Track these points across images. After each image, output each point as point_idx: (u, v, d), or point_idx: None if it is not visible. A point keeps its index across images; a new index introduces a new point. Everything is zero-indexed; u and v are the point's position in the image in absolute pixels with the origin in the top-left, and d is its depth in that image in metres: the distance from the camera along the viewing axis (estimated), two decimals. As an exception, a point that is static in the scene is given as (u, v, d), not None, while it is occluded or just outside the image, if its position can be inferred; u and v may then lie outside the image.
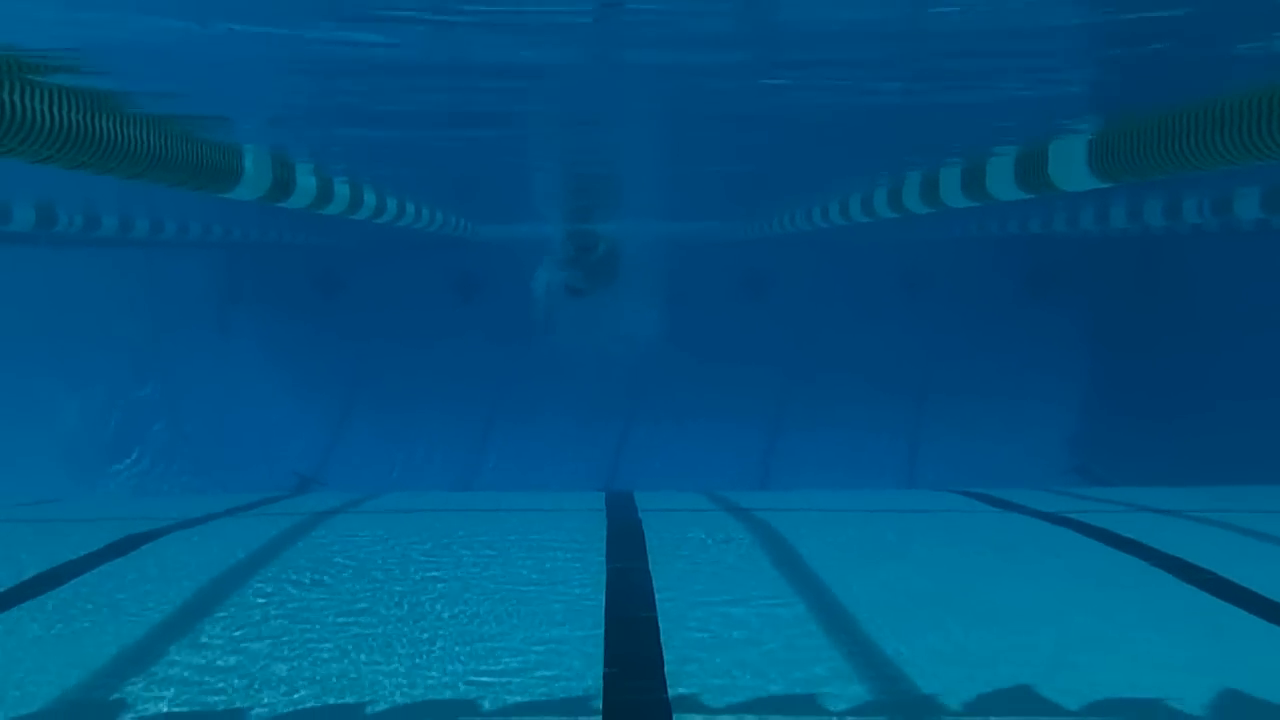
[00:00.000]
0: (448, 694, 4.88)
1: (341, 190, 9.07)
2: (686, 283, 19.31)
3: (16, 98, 4.12)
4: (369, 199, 9.90)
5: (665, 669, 5.13)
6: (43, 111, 4.25)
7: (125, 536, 7.95)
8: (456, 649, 5.42)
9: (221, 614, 6.02)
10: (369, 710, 4.72)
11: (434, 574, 6.90)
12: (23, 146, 4.28)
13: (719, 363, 19.40)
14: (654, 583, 6.68)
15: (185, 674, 5.09)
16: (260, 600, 6.29)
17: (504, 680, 5.03)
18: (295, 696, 4.86)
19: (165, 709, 4.71)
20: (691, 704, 4.73)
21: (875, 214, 10.50)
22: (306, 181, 8.14)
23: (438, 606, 6.16)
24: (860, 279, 19.82)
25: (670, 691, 4.88)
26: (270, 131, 6.68)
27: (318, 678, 5.05)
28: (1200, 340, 16.94)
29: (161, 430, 16.93)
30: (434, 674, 5.10)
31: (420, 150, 7.48)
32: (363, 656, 5.29)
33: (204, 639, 5.59)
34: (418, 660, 5.27)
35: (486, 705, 4.76)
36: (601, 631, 5.69)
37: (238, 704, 4.77)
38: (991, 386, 19.06)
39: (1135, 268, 18.37)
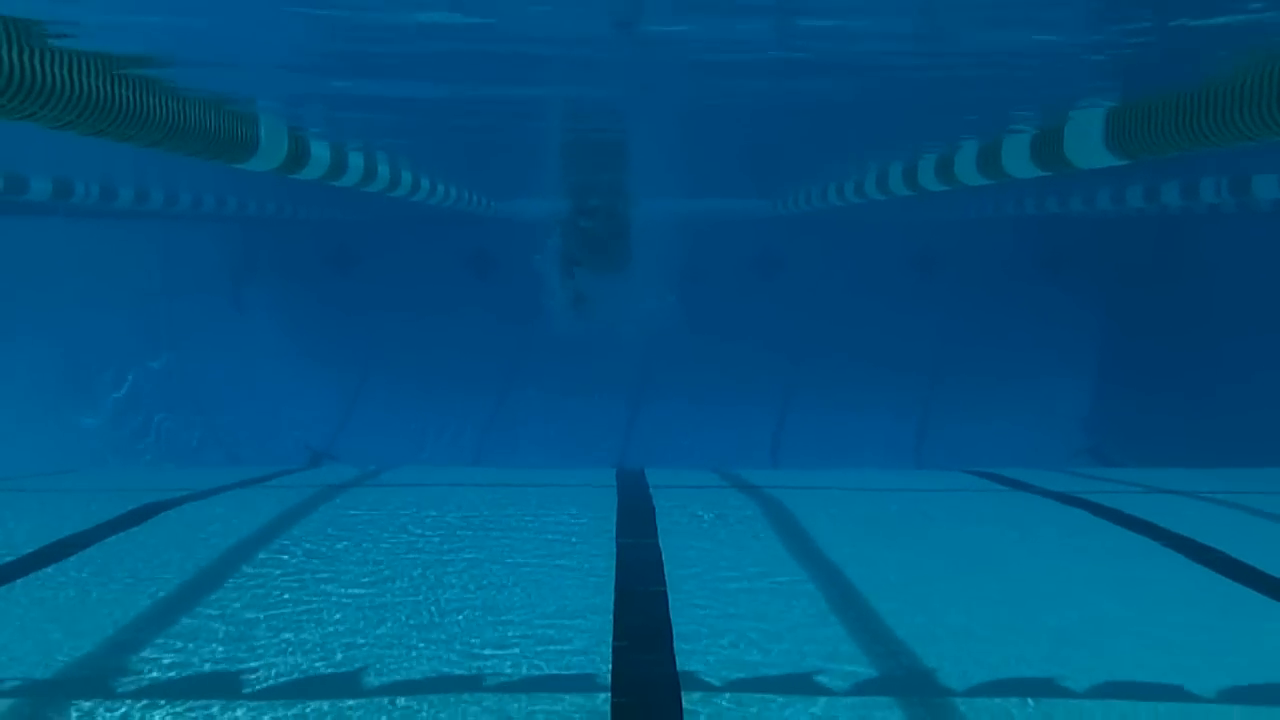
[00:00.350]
0: (457, 668, 4.89)
1: (355, 161, 9.06)
2: (697, 261, 19.26)
3: (37, 62, 4.13)
4: (382, 171, 9.89)
5: (674, 644, 5.14)
6: (62, 77, 4.27)
7: (139, 506, 7.99)
8: (466, 622, 5.43)
9: (230, 583, 6.05)
10: (376, 682, 4.73)
11: (444, 547, 6.92)
12: (43, 111, 4.29)
13: (730, 342, 19.38)
14: (663, 557, 6.69)
15: (190, 643, 5.11)
16: (271, 570, 6.31)
17: (513, 653, 5.04)
18: (302, 665, 4.88)
19: (172, 675, 4.74)
20: (700, 679, 4.74)
21: (890, 192, 10.45)
22: (320, 152, 8.12)
23: (447, 580, 6.18)
24: (873, 259, 19.75)
25: (679, 666, 4.88)
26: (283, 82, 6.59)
27: (325, 648, 5.07)
28: (1214, 321, 16.85)
29: (175, 403, 16.97)
30: (443, 647, 5.11)
31: (431, 118, 7.43)
32: (371, 630, 5.31)
33: (212, 608, 5.61)
34: (427, 634, 5.28)
35: (495, 679, 4.77)
36: (611, 605, 5.70)
37: (245, 667, 4.79)
38: (1004, 367, 19.02)
39: (1150, 248, 18.28)
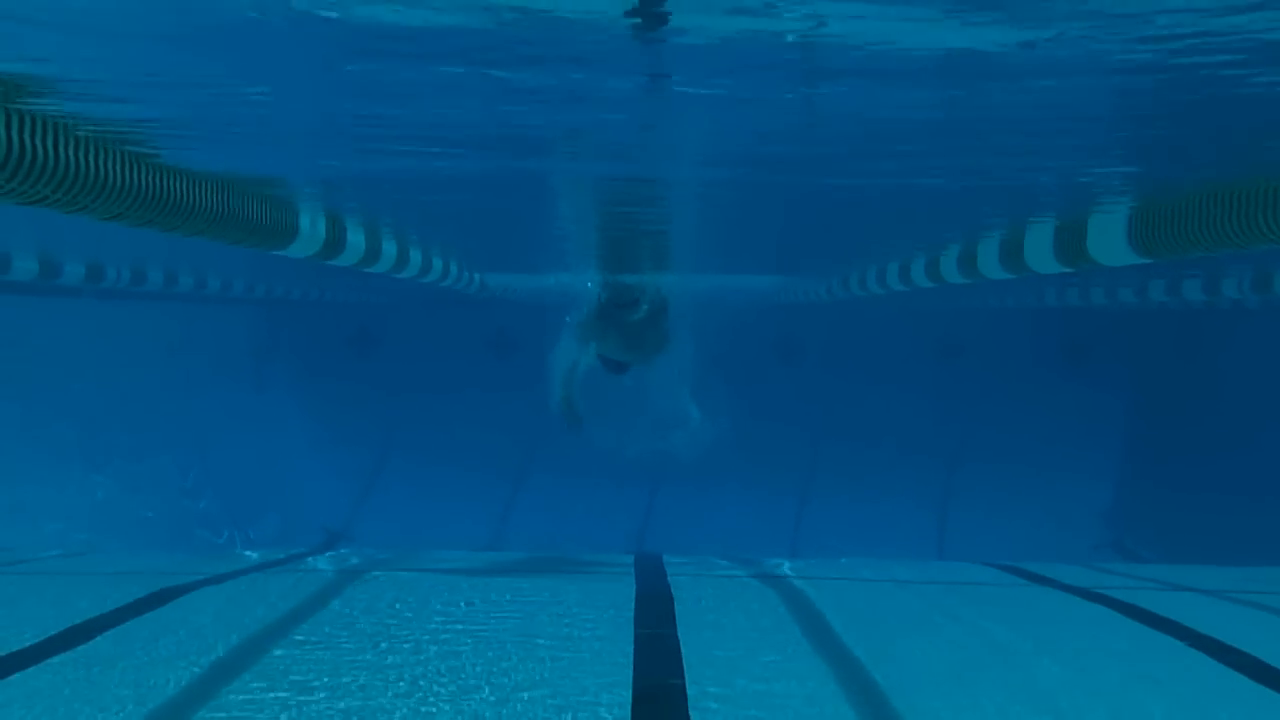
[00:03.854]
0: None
1: (389, 249, 9.13)
2: (721, 346, 19.26)
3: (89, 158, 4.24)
4: (414, 257, 9.98)
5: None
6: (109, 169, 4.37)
7: (155, 591, 7.97)
8: (484, 712, 5.38)
9: (244, 671, 6.01)
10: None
11: (461, 634, 6.87)
12: (96, 204, 4.38)
13: (751, 427, 19.32)
14: (682, 649, 6.63)
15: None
16: (286, 655, 6.27)
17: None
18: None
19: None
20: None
21: (912, 284, 10.49)
22: (356, 239, 8.21)
23: (466, 666, 6.13)
24: (895, 347, 19.76)
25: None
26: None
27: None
28: (1239, 415, 16.76)
29: (193, 485, 16.99)
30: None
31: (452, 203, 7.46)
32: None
33: (225, 695, 5.57)
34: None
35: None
36: (629, 698, 5.64)
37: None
38: (1026, 458, 18.91)
39: (1173, 340, 18.24)
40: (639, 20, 3.22)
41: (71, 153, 4.11)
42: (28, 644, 6.47)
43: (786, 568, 9.88)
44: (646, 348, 10.98)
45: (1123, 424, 19.48)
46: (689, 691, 5.74)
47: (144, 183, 4.60)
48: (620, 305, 10.76)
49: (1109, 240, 6.22)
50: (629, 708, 5.47)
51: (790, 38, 3.36)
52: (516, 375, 18.81)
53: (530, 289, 15.77)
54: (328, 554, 11.32)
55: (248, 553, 11.18)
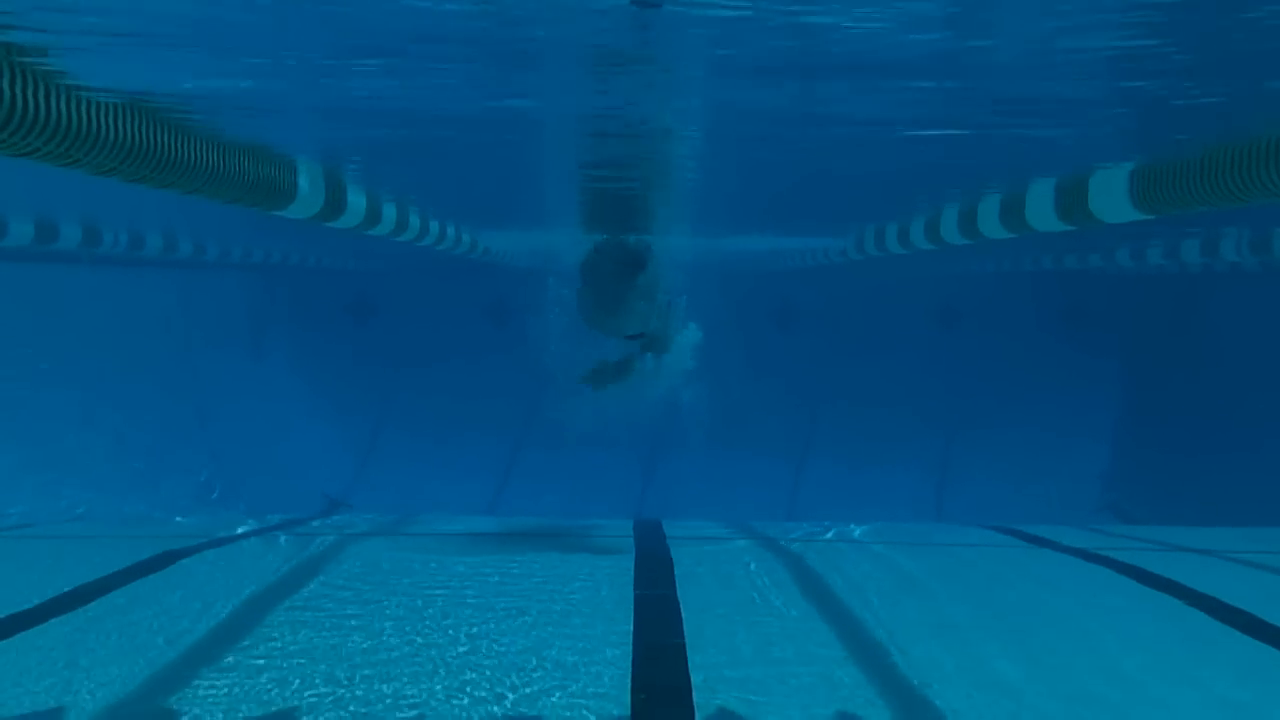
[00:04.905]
0: (475, 717, 4.86)
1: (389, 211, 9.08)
2: (718, 312, 19.22)
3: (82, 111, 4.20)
4: (413, 220, 9.92)
5: (693, 696, 5.10)
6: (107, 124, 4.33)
7: (158, 554, 7.99)
8: (485, 673, 5.40)
9: (244, 634, 6.03)
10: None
11: (462, 597, 6.89)
12: (88, 157, 4.34)
13: (749, 394, 19.32)
14: (682, 610, 6.66)
15: (204, 692, 5.10)
16: (287, 619, 6.29)
17: (533, 703, 5.01)
18: (321, 715, 4.86)
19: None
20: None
21: (912, 246, 10.45)
22: (357, 201, 8.15)
23: (466, 628, 6.15)
24: (893, 312, 19.75)
25: (698, 718, 4.85)
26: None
27: (344, 697, 5.04)
28: (1236, 378, 16.77)
29: (193, 450, 16.99)
30: (457, 696, 5.08)
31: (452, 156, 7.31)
32: (384, 685, 5.27)
33: (227, 658, 5.59)
34: (443, 682, 5.25)
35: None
36: (630, 657, 5.66)
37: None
38: (1024, 422, 18.94)
39: (1171, 304, 18.23)
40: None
41: (63, 106, 4.08)
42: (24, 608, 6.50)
43: (785, 530, 9.88)
44: (630, 315, 9.94)
45: (1120, 388, 19.49)
46: (688, 652, 5.78)
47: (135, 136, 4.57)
48: (602, 254, 10.20)
49: (1111, 197, 6.21)
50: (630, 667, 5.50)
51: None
52: (515, 343, 18.82)
53: (527, 251, 15.69)
54: (327, 519, 11.36)
55: (247, 517, 11.17)
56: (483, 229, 13.25)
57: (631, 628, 6.19)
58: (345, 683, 5.22)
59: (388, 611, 6.50)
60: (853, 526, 9.91)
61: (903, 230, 10.29)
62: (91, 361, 14.60)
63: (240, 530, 9.35)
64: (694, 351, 11.01)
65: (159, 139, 4.73)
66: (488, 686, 5.18)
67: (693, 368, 10.87)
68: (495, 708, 4.94)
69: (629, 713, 4.89)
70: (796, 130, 6.04)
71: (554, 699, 5.05)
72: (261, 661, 5.51)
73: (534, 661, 5.56)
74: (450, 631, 6.08)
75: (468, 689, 5.16)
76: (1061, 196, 6.79)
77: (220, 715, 4.81)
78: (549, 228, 12.46)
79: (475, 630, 6.10)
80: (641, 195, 8.97)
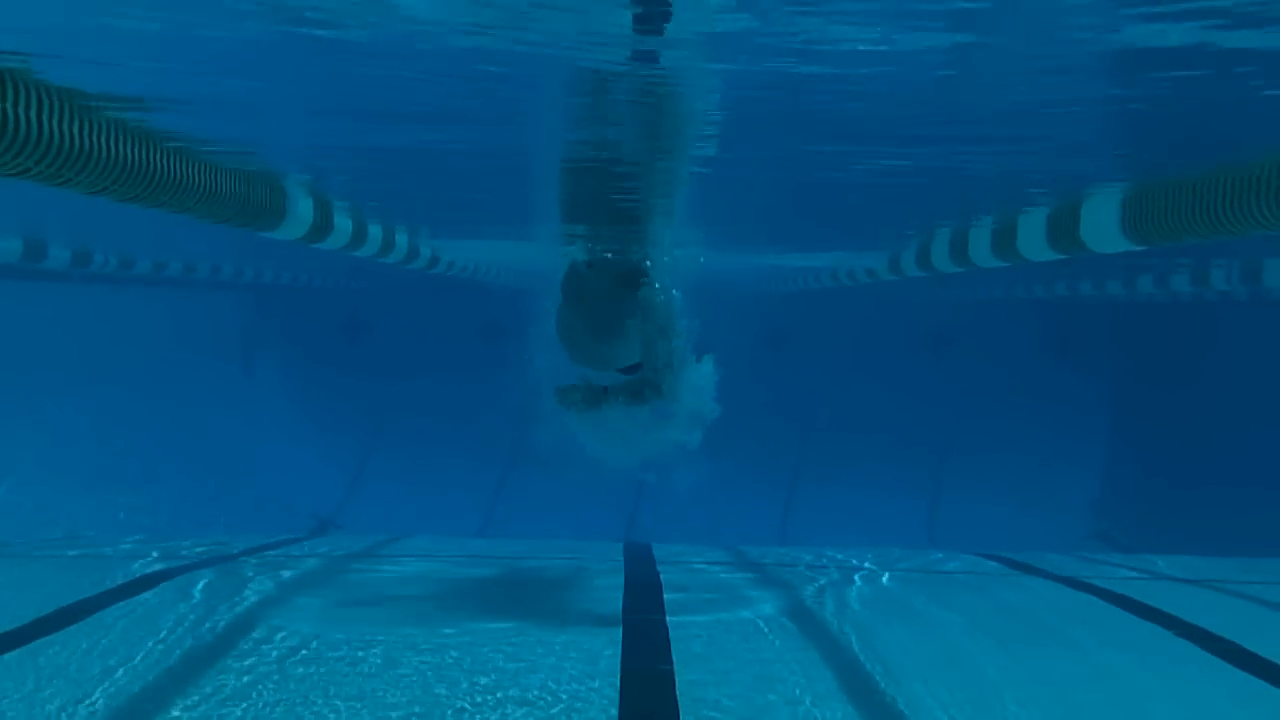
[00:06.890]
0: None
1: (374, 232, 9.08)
2: (709, 334, 19.20)
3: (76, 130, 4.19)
4: (400, 241, 9.91)
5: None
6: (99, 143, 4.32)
7: (144, 575, 7.94)
8: (471, 697, 5.37)
9: (232, 655, 6.00)
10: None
11: (448, 620, 6.86)
12: (79, 176, 4.33)
13: (740, 417, 19.28)
14: (670, 635, 6.63)
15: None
16: (275, 642, 6.25)
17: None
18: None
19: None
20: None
21: (902, 273, 10.47)
22: (344, 223, 8.14)
23: (453, 654, 6.12)
24: (885, 337, 19.79)
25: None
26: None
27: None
28: (1226, 407, 16.80)
29: (183, 469, 16.94)
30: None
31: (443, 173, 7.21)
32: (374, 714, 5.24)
33: (211, 682, 5.56)
34: (432, 709, 5.22)
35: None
36: (618, 683, 5.64)
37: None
38: (1014, 448, 18.95)
39: (1162, 332, 18.27)
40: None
41: (56, 124, 4.07)
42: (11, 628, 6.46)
43: (775, 555, 9.84)
44: (624, 342, 8.48)
45: (1111, 416, 19.53)
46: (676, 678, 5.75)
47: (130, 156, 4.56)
48: (589, 265, 8.94)
49: (1102, 227, 6.22)
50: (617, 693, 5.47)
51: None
52: (507, 362, 18.79)
53: (518, 270, 15.66)
54: (315, 540, 11.32)
55: (236, 538, 11.12)
56: (467, 240, 13.11)
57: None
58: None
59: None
60: (846, 552, 9.90)
61: (894, 259, 10.32)
62: (80, 379, 14.58)
63: (228, 551, 9.28)
64: (706, 392, 9.10)
65: (147, 157, 4.72)
66: None
67: (706, 411, 8.88)
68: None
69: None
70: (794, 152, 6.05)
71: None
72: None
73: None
74: None
75: None
76: (1053, 225, 6.81)
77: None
78: (538, 238, 12.31)
79: None
80: (621, 202, 8.48)
